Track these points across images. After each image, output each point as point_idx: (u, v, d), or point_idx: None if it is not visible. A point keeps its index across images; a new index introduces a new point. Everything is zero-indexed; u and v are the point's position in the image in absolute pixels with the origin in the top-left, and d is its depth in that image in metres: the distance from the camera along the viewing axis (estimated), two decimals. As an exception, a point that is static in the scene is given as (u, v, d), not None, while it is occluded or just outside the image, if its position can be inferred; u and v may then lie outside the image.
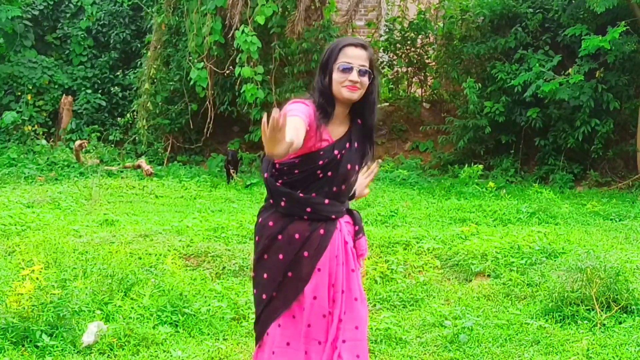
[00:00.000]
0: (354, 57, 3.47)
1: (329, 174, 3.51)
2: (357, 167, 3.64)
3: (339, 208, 3.61)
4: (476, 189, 12.02)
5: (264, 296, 3.55)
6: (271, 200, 3.58)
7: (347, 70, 3.45)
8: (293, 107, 3.38)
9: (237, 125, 16.31)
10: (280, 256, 3.51)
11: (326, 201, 3.53)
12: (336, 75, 3.47)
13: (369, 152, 3.71)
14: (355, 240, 3.68)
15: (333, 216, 3.56)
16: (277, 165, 3.51)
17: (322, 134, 3.47)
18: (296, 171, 3.49)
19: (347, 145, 3.55)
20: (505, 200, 10.86)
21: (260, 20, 13.98)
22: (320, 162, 3.47)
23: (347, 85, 3.45)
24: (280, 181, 3.52)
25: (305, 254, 3.49)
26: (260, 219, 3.62)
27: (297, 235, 3.50)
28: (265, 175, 3.57)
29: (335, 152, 3.51)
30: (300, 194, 3.50)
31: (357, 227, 3.70)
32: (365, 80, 3.48)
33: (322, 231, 3.52)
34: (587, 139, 13.77)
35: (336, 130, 3.55)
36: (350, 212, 3.71)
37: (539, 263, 6.99)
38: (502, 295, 6.45)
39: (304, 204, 3.51)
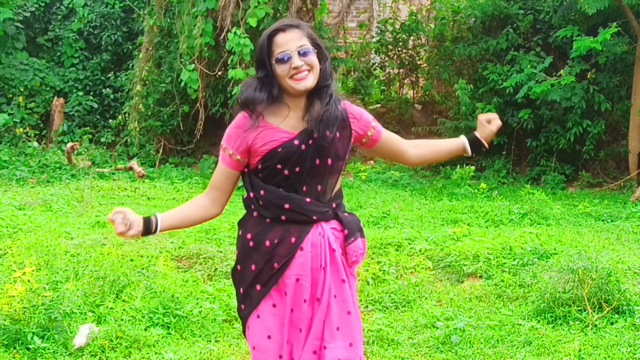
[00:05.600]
0: (288, 42, 3.11)
1: (297, 169, 3.17)
2: (330, 162, 3.21)
3: (322, 209, 3.22)
4: (468, 190, 12.03)
5: (242, 307, 3.36)
6: (251, 194, 3.24)
7: (287, 59, 3.11)
8: (223, 142, 3.35)
9: (229, 127, 16.28)
10: (253, 267, 3.24)
11: (307, 199, 3.19)
12: (278, 70, 3.12)
13: (348, 137, 3.29)
14: (346, 245, 3.26)
15: (315, 217, 3.20)
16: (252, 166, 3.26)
17: (276, 130, 3.18)
18: (260, 175, 3.21)
19: (315, 135, 3.16)
20: (497, 201, 10.88)
21: (252, 22, 13.95)
22: (281, 157, 3.15)
23: (292, 75, 3.10)
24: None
25: (276, 265, 3.18)
26: (239, 231, 3.32)
27: (267, 243, 3.19)
28: (245, 170, 3.30)
29: (296, 142, 3.15)
30: (281, 189, 3.18)
31: (346, 231, 3.26)
32: (312, 59, 3.12)
33: (293, 239, 3.17)
34: (579, 140, 13.80)
35: (298, 123, 3.19)
36: (337, 215, 3.28)
37: (530, 264, 7.00)
38: (494, 296, 6.46)
39: (284, 199, 3.16)
